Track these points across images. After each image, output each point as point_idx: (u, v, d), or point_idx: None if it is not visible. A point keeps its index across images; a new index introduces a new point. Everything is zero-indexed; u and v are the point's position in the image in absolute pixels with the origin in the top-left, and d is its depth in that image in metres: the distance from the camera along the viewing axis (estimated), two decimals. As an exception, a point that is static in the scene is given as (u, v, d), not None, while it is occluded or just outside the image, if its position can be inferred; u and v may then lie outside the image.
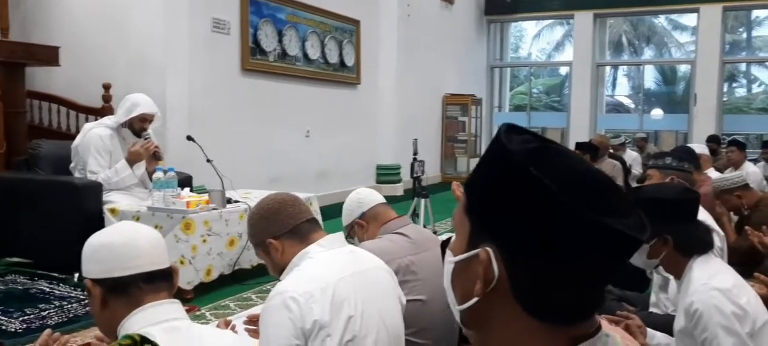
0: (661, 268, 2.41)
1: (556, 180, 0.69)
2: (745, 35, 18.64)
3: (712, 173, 4.66)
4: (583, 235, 0.69)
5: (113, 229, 1.52)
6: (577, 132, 11.78)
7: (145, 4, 5.86)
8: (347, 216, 2.61)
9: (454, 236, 0.84)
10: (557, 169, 0.71)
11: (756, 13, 16.82)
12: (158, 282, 1.46)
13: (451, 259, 0.81)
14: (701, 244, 2.21)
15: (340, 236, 2.07)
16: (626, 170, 7.31)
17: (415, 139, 5.32)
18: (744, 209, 3.40)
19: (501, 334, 0.77)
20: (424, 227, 5.22)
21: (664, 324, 2.46)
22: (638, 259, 2.32)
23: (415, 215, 4.91)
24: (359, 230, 2.55)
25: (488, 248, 0.74)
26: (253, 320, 2.27)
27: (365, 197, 2.61)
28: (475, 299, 0.76)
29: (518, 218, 0.71)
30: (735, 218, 3.66)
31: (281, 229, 1.95)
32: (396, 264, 2.25)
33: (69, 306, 3.70)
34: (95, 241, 1.48)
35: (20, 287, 4.07)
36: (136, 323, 1.41)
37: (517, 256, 0.73)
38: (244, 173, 5.93)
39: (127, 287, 1.44)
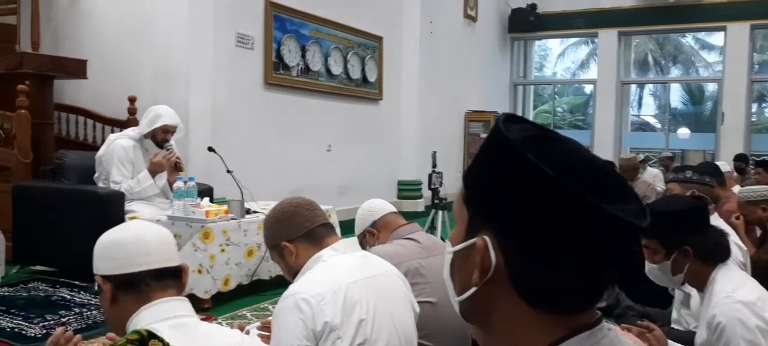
0: (686, 285, 2.35)
1: (554, 166, 0.68)
2: (774, 55, 18.35)
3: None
4: (580, 221, 0.68)
5: (124, 227, 1.53)
6: (602, 150, 11.64)
7: (171, 20, 5.97)
8: (359, 225, 2.65)
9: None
10: (555, 155, 0.70)
11: (786, 32, 16.57)
12: (167, 280, 1.47)
13: (449, 249, 0.81)
14: (720, 249, 2.17)
15: (353, 240, 2.07)
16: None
17: (434, 152, 5.30)
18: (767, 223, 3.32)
19: (500, 324, 0.76)
20: (443, 240, 5.18)
21: (685, 340, 2.40)
22: (664, 279, 2.28)
23: (432, 228, 4.87)
24: (370, 238, 2.57)
25: (485, 236, 0.73)
26: (266, 326, 2.27)
27: (377, 206, 2.65)
28: (473, 290, 0.75)
29: (515, 205, 0.71)
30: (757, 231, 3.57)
31: (296, 232, 1.96)
32: (405, 267, 2.25)
33: (89, 313, 3.73)
34: (106, 238, 1.50)
35: (42, 294, 4.13)
36: (144, 319, 1.42)
37: (514, 243, 0.72)
38: (265, 185, 5.96)
39: (136, 284, 1.45)
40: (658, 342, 2.21)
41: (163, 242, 1.51)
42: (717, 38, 14.95)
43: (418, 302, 2.11)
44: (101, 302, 1.52)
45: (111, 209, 4.26)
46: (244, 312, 3.93)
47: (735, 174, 7.52)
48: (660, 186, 7.77)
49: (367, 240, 2.63)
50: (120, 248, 1.47)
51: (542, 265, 0.70)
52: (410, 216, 2.35)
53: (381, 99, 9.15)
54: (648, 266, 2.30)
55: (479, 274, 0.74)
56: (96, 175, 4.63)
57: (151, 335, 1.36)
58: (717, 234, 2.24)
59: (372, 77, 8.89)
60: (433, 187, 5.16)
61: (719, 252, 2.17)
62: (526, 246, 0.71)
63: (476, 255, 0.73)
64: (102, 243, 1.50)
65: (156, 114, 4.51)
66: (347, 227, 5.09)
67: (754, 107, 14.23)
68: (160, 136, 4.50)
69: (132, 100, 5.77)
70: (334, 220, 4.91)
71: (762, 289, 2.15)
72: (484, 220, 0.74)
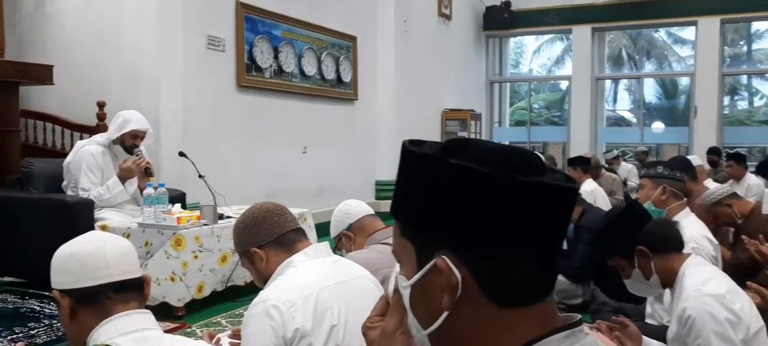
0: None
1: (479, 161, 0.69)
2: (745, 48, 18.71)
3: (710, 185, 4.59)
4: (524, 201, 0.69)
5: (82, 239, 1.48)
6: (578, 146, 11.73)
7: (140, 23, 5.87)
8: (335, 227, 2.62)
9: (396, 266, 0.82)
10: (474, 152, 0.72)
11: (756, 27, 16.89)
12: (127, 292, 1.43)
13: (405, 284, 0.78)
14: (670, 238, 2.24)
15: (325, 245, 2.04)
16: (622, 183, 7.28)
17: (410, 153, 5.30)
18: (737, 218, 3.34)
19: (475, 338, 0.74)
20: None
21: (659, 335, 2.41)
22: (645, 288, 2.32)
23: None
24: (347, 242, 2.54)
25: (443, 256, 0.72)
26: (237, 334, 2.23)
27: (353, 208, 2.61)
28: (445, 314, 0.73)
29: (460, 212, 0.71)
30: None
31: (266, 238, 1.93)
32: (382, 274, 2.22)
33: (58, 325, 3.64)
34: (63, 251, 1.46)
35: (11, 306, 4.03)
36: (104, 333, 1.39)
37: (472, 249, 0.71)
38: (240, 189, 5.91)
39: (95, 298, 1.41)
40: (631, 338, 2.22)
41: (123, 253, 1.47)
42: (688, 33, 15.17)
43: None
44: (60, 317, 1.47)
45: (80, 218, 4.17)
46: (219, 319, 3.87)
47: (707, 167, 7.61)
48: (634, 181, 7.84)
49: (343, 243, 2.60)
50: (78, 261, 1.42)
51: (504, 260, 0.71)
52: (388, 217, 2.31)
53: (356, 99, 9.11)
54: (628, 284, 2.34)
55: (449, 295, 0.72)
56: (64, 183, 4.53)
57: (110, 351, 1.32)
58: (662, 225, 2.31)
59: (347, 77, 8.86)
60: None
61: (672, 241, 2.23)
62: (483, 248, 0.71)
63: (440, 278, 0.72)
64: (59, 256, 1.46)
65: (125, 119, 4.43)
66: (324, 230, 5.06)
67: (726, 100, 14.45)
68: (130, 142, 4.42)
69: (101, 105, 5.67)
70: (311, 222, 4.88)
71: (731, 282, 2.17)
72: (435, 242, 0.73)
